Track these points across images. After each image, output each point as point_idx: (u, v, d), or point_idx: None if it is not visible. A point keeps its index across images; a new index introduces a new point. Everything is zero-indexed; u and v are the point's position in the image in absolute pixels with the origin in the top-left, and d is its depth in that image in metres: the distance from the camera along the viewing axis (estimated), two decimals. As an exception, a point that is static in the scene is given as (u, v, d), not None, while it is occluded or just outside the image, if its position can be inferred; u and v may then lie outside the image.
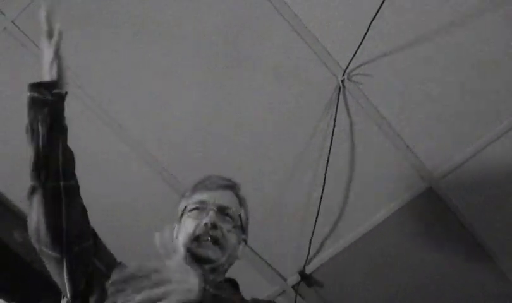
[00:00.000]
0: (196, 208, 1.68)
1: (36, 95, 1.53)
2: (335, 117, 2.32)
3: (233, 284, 1.66)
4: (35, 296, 2.56)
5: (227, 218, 1.68)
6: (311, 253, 2.61)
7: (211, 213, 1.64)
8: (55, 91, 1.54)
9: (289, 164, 2.47)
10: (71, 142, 2.36)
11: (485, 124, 2.34)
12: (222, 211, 1.67)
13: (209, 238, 1.60)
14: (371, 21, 2.12)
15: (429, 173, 2.46)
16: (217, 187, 1.74)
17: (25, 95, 2.26)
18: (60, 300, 1.58)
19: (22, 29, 2.19)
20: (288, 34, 2.21)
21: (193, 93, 2.34)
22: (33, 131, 1.51)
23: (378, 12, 2.10)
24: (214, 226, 1.62)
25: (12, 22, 2.18)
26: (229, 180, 1.78)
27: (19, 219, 2.59)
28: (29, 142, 1.51)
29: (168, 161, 2.46)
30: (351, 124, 2.36)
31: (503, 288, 2.75)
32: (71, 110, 2.30)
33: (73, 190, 1.53)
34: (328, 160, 2.39)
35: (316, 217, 2.49)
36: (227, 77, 2.30)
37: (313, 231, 2.54)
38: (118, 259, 2.67)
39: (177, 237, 1.70)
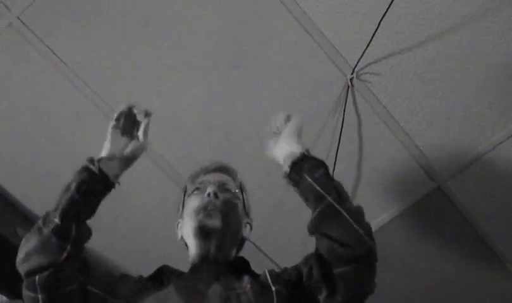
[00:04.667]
0: (197, 189, 1.78)
1: (88, 165, 1.61)
2: (344, 115, 2.30)
3: (243, 263, 1.73)
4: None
5: (227, 191, 1.77)
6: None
7: (211, 185, 1.74)
8: (104, 170, 1.61)
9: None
10: (78, 141, 2.37)
11: (494, 124, 2.32)
12: (221, 185, 1.77)
13: (213, 207, 1.70)
14: (381, 19, 2.10)
15: (437, 172, 2.44)
16: (214, 169, 1.85)
17: (29, 91, 2.29)
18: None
19: (27, 25, 2.17)
20: (296, 31, 2.18)
21: (199, 91, 2.31)
22: (67, 188, 1.58)
23: (388, 11, 2.08)
24: (216, 195, 1.72)
25: (18, 18, 2.15)
26: (225, 164, 1.88)
27: (22, 215, 2.58)
28: (59, 196, 1.58)
29: (173, 159, 2.45)
30: (360, 123, 2.34)
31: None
32: (76, 108, 2.33)
33: (74, 258, 1.57)
34: (336, 159, 2.37)
35: (323, 216, 2.47)
36: (234, 75, 2.28)
37: (319, 231, 2.51)
38: (123, 258, 2.67)
39: (181, 229, 1.79)
